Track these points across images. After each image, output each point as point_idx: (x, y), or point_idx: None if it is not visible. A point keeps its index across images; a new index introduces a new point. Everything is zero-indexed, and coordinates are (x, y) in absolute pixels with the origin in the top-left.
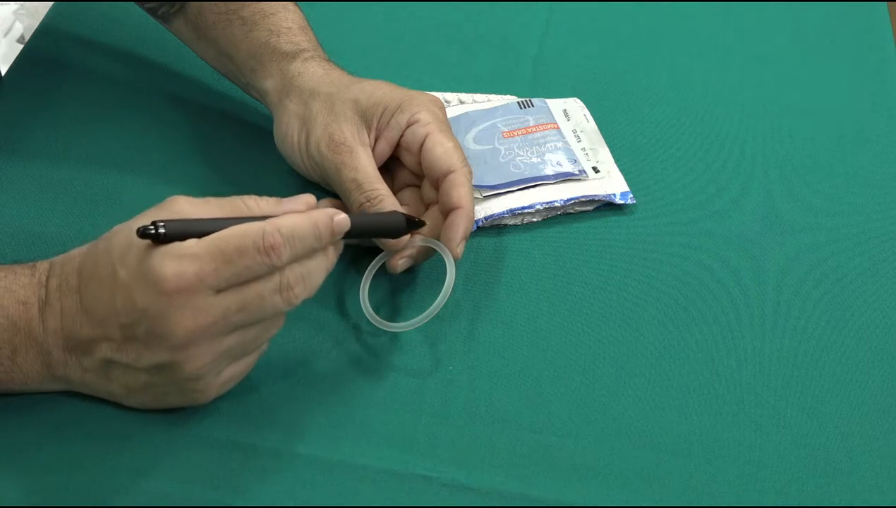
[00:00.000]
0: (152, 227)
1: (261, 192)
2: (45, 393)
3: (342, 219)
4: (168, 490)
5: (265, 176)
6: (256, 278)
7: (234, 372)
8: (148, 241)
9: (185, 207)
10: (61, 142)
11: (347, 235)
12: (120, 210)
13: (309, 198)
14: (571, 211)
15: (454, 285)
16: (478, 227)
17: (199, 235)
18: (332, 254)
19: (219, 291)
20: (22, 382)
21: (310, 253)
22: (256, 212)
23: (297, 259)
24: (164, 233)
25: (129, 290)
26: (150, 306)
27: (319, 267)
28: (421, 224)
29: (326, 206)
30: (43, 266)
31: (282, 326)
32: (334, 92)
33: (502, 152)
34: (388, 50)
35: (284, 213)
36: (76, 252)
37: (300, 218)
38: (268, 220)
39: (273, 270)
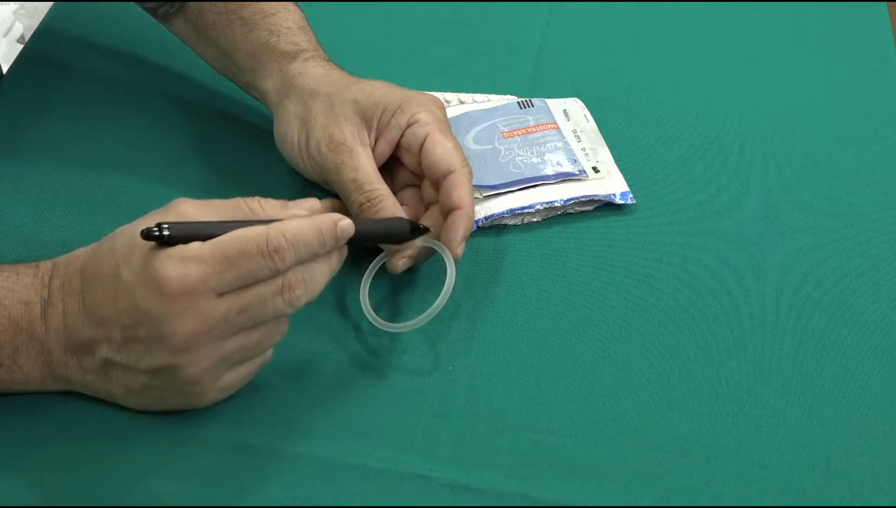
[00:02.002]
0: (157, 229)
1: (261, 193)
2: (46, 394)
3: (346, 224)
4: (168, 490)
5: (265, 176)
6: (259, 281)
7: (233, 378)
8: (152, 243)
9: (189, 210)
10: (61, 142)
11: (351, 241)
12: (120, 210)
13: (314, 202)
14: (571, 211)
15: (454, 285)
16: (478, 227)
17: (204, 238)
18: (336, 260)
19: (221, 294)
20: (23, 382)
21: (313, 257)
22: (260, 214)
23: (300, 263)
24: (169, 236)
25: (132, 291)
26: (153, 308)
27: (322, 272)
28: (425, 230)
29: (328, 207)
30: (46, 266)
31: (285, 332)
32: (334, 92)
33: (502, 152)
34: (388, 50)
35: (289, 218)
36: (79, 252)
37: (304, 222)
38: (272, 224)
39: (276, 273)
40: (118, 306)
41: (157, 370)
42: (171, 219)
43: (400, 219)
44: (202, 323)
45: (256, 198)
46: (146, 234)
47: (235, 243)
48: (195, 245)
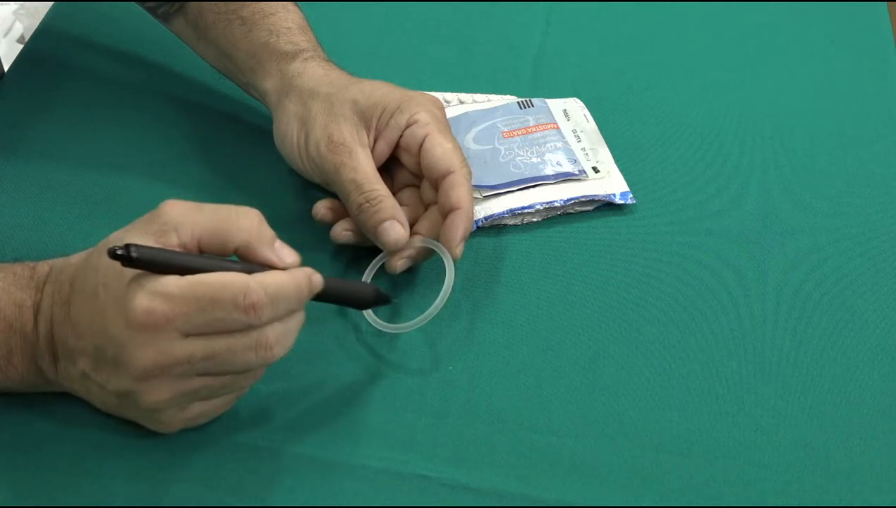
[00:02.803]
0: (123, 250)
1: (261, 193)
2: (44, 394)
3: (318, 279)
4: (168, 491)
5: (265, 176)
6: (229, 331)
7: (203, 409)
8: (133, 269)
9: (175, 215)
10: (61, 142)
11: (317, 298)
12: (120, 210)
13: (295, 259)
14: (571, 211)
15: (453, 285)
16: (478, 227)
17: (178, 269)
18: (303, 314)
19: (188, 335)
20: (18, 382)
21: (288, 313)
22: (243, 237)
23: (277, 319)
24: (137, 259)
25: (104, 314)
26: (118, 334)
27: (296, 327)
28: (388, 301)
29: (326, 206)
30: (42, 269)
31: (259, 378)
32: (333, 92)
33: (502, 152)
34: (388, 50)
35: (263, 262)
36: (75, 259)
37: (284, 277)
38: (253, 276)
39: (250, 327)
40: (93, 325)
41: (123, 393)
42: (158, 226)
43: (369, 285)
44: (161, 359)
45: (251, 213)
46: (112, 253)
47: (210, 289)
48: (171, 280)
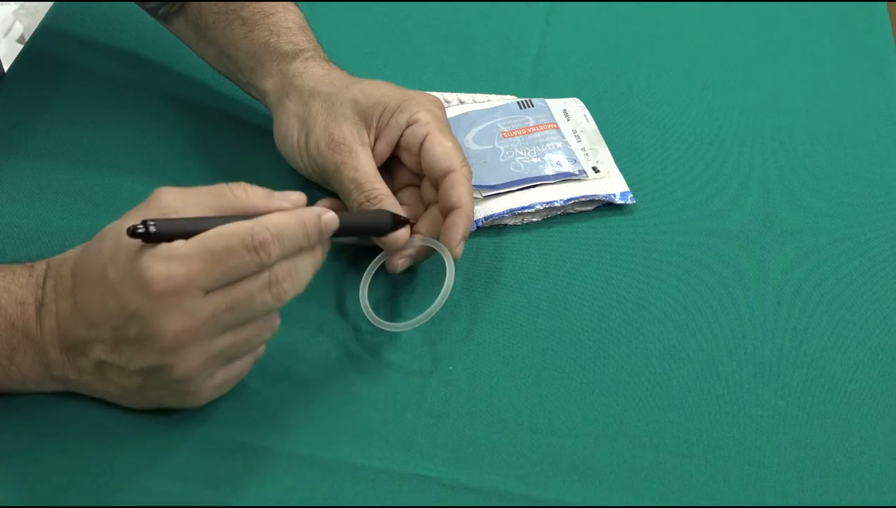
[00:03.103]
0: (142, 226)
1: None
2: (44, 394)
3: (330, 217)
4: (168, 490)
5: (265, 176)
6: (245, 277)
7: (227, 375)
8: (137, 242)
9: (172, 199)
10: (61, 142)
11: (336, 234)
12: (120, 210)
13: (299, 196)
14: (571, 211)
15: (454, 285)
16: (478, 227)
17: (189, 234)
18: (320, 253)
19: (208, 292)
20: (21, 382)
21: (298, 251)
22: (244, 201)
23: (286, 256)
24: (155, 232)
25: (119, 292)
26: (140, 308)
27: (307, 265)
28: (406, 222)
29: (326, 206)
30: (41, 266)
31: (277, 329)
32: (334, 92)
33: (502, 152)
34: (388, 50)
35: (272, 210)
36: (71, 253)
37: (288, 216)
38: (256, 219)
39: (262, 268)
40: (107, 307)
41: (149, 370)
42: (156, 213)
43: (382, 211)
44: (189, 321)
45: (241, 183)
46: (132, 232)
47: (220, 239)
48: (179, 243)
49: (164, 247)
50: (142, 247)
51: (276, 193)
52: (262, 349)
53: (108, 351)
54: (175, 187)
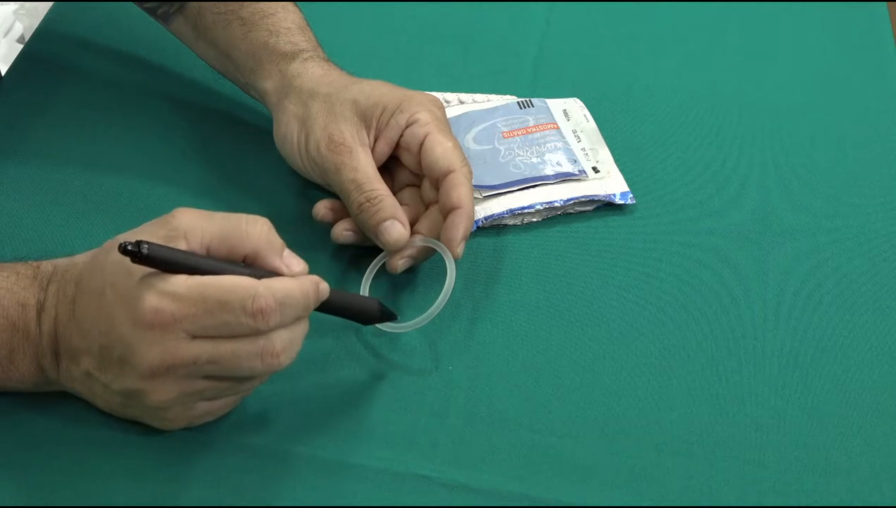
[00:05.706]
0: (135, 246)
1: (261, 193)
2: (45, 394)
3: (325, 288)
4: (168, 491)
5: (265, 176)
6: (235, 336)
7: (209, 408)
8: (141, 267)
9: (184, 221)
10: (61, 142)
11: (321, 308)
12: (120, 210)
13: (303, 265)
14: (571, 211)
15: (454, 285)
16: (478, 227)
17: (185, 268)
18: (307, 322)
19: (194, 337)
20: (19, 382)
21: (295, 321)
22: (252, 242)
23: (283, 325)
24: (147, 256)
25: (112, 313)
26: (126, 333)
27: (302, 334)
28: (393, 317)
29: (326, 206)
30: (46, 268)
31: (265, 381)
32: (333, 92)
33: (502, 152)
34: (388, 50)
35: (272, 269)
36: (79, 258)
37: (292, 284)
38: (262, 281)
39: (256, 333)
40: (99, 324)
41: (128, 393)
42: (167, 231)
43: (374, 300)
44: (168, 359)
45: (261, 220)
46: (122, 249)
47: (218, 291)
48: (180, 279)
49: (165, 280)
50: (145, 275)
51: (286, 253)
52: (249, 392)
53: (94, 366)
54: (194, 209)
